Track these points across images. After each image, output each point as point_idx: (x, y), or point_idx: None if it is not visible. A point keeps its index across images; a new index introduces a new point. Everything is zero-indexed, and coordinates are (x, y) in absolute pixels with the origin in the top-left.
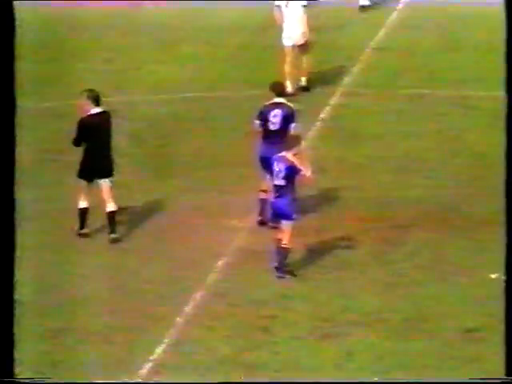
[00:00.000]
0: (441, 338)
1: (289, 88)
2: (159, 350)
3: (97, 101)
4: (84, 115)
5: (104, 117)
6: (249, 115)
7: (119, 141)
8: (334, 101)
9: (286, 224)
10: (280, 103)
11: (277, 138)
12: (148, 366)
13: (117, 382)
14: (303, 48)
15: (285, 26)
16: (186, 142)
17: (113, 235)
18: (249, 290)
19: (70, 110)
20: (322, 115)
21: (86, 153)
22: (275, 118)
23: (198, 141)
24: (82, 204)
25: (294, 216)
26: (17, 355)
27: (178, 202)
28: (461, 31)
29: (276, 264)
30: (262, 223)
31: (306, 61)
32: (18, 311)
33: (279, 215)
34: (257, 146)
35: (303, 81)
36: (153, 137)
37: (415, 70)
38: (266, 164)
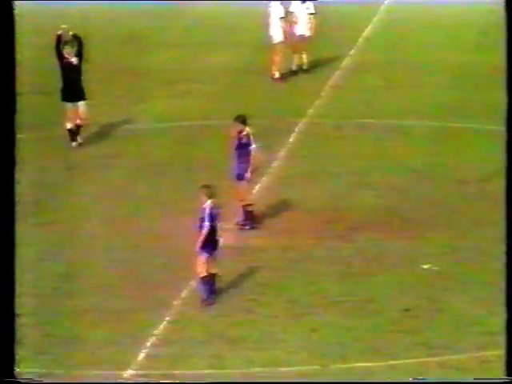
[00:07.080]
0: (385, 316)
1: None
2: (161, 326)
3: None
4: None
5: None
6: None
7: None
8: (300, 128)
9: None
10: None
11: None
12: (153, 339)
13: (116, 381)
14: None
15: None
16: (183, 161)
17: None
18: (234, 278)
19: None
20: (290, 139)
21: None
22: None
23: (192, 160)
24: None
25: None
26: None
27: (176, 207)
28: (400, 73)
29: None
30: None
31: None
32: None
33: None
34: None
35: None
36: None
37: (363, 104)
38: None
